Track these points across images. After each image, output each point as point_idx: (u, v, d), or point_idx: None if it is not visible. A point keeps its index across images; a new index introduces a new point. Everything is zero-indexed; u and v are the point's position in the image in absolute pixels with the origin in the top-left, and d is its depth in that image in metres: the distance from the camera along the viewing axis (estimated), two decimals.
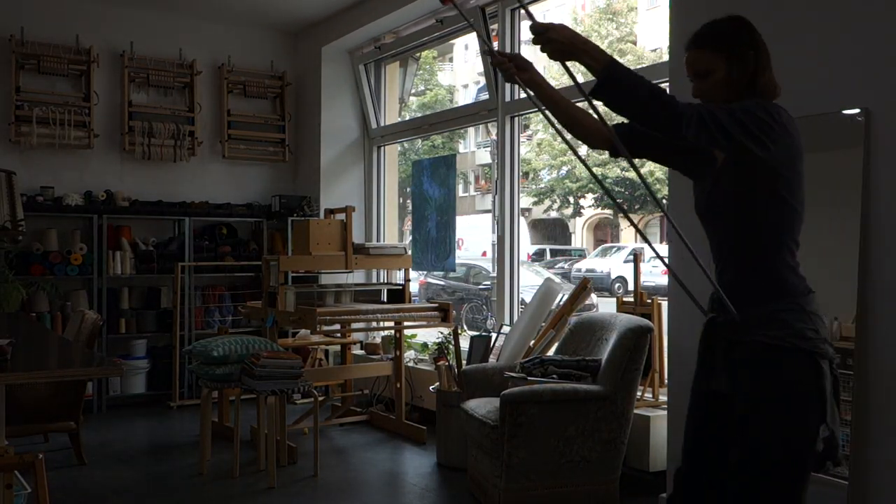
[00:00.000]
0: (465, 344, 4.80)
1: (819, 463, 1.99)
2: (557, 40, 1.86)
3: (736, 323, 1.99)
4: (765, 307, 1.97)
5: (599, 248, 15.05)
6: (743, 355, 2.00)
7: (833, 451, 1.96)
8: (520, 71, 2.10)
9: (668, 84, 3.48)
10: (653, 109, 1.82)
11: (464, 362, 4.52)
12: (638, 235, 15.78)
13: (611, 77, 1.81)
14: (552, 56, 1.89)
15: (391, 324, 4.94)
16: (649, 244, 2.19)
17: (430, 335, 5.55)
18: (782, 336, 1.93)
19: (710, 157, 2.10)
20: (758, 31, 2.09)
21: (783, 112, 1.97)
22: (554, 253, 15.13)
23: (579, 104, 2.23)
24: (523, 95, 5.14)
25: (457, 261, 5.77)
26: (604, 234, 17.37)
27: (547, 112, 2.18)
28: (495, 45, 5.22)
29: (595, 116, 2.13)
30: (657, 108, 1.81)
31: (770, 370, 1.95)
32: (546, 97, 2.16)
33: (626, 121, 2.02)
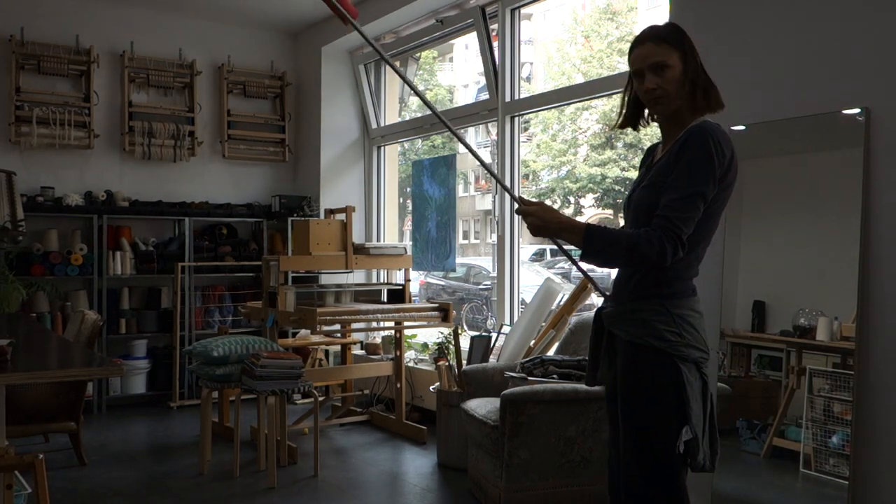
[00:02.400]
0: (465, 344, 4.80)
1: (688, 464, 2.02)
2: (534, 224, 2.07)
3: (611, 315, 2.11)
4: (632, 305, 2.06)
5: None
6: (616, 347, 2.12)
7: (693, 455, 1.98)
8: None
9: None
10: (635, 258, 1.97)
11: (464, 362, 4.52)
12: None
13: (590, 246, 1.99)
14: (532, 232, 2.12)
15: (391, 324, 4.94)
16: (560, 248, 2.26)
17: (431, 335, 5.55)
18: (640, 334, 2.02)
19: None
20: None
21: (728, 146, 2.03)
22: (554, 253, 15.13)
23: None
24: (523, 95, 5.15)
25: (457, 261, 5.77)
26: None
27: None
28: (495, 44, 5.22)
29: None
30: (638, 257, 1.96)
31: (631, 365, 2.04)
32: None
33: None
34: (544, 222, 2.06)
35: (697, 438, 1.97)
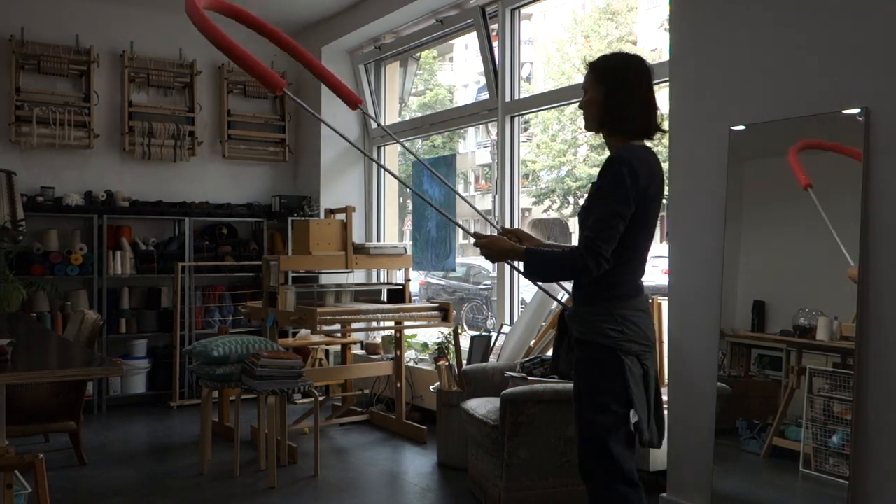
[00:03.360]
0: (465, 344, 4.80)
1: (638, 442, 2.34)
2: (486, 254, 2.50)
3: (569, 317, 2.46)
4: (582, 308, 2.40)
5: None
6: (573, 344, 2.45)
7: (640, 434, 2.31)
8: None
9: (668, 83, 3.49)
10: (566, 274, 2.38)
11: (464, 362, 4.52)
12: None
13: (528, 267, 2.41)
14: (487, 259, 2.54)
15: (391, 324, 4.94)
16: (514, 268, 2.57)
17: (431, 335, 5.55)
18: (588, 333, 2.35)
19: None
20: (647, 77, 2.39)
21: (644, 167, 2.29)
22: None
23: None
24: (524, 95, 5.15)
25: (457, 260, 5.77)
26: None
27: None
28: (495, 44, 5.22)
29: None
30: (569, 272, 2.34)
31: (582, 359, 2.39)
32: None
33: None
34: (494, 251, 2.48)
35: (642, 420, 2.29)
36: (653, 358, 2.39)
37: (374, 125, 6.51)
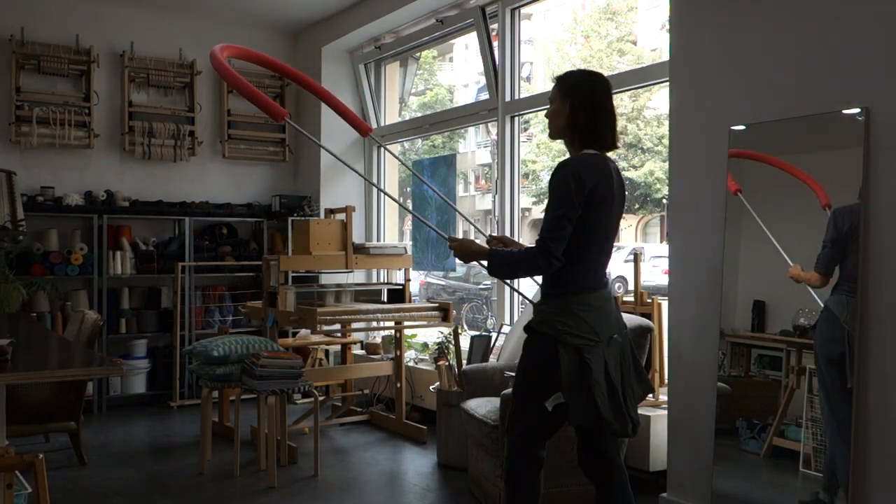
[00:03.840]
0: (465, 344, 4.80)
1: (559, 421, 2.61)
2: (457, 255, 2.77)
3: (533, 309, 2.72)
4: (539, 302, 2.67)
5: None
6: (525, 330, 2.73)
7: (574, 418, 2.53)
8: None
9: (668, 83, 3.49)
10: (524, 272, 2.71)
11: (464, 362, 4.52)
12: (637, 234, 15.76)
13: (491, 266, 2.68)
14: (458, 259, 2.81)
15: (391, 324, 4.94)
16: (482, 266, 2.75)
17: (431, 335, 5.55)
18: (537, 322, 2.61)
19: None
20: (609, 94, 2.63)
21: (590, 172, 2.53)
22: None
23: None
24: (524, 95, 5.15)
25: (457, 260, 5.77)
26: None
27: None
28: (495, 44, 5.22)
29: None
30: (527, 269, 2.64)
31: (526, 343, 2.68)
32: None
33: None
34: (464, 252, 2.75)
35: (568, 404, 2.51)
36: (604, 351, 2.54)
37: (373, 125, 6.51)
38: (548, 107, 2.70)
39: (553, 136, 2.71)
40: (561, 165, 2.56)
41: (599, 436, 2.65)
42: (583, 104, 2.60)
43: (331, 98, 3.72)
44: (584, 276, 2.58)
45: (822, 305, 2.89)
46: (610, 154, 2.69)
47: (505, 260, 2.65)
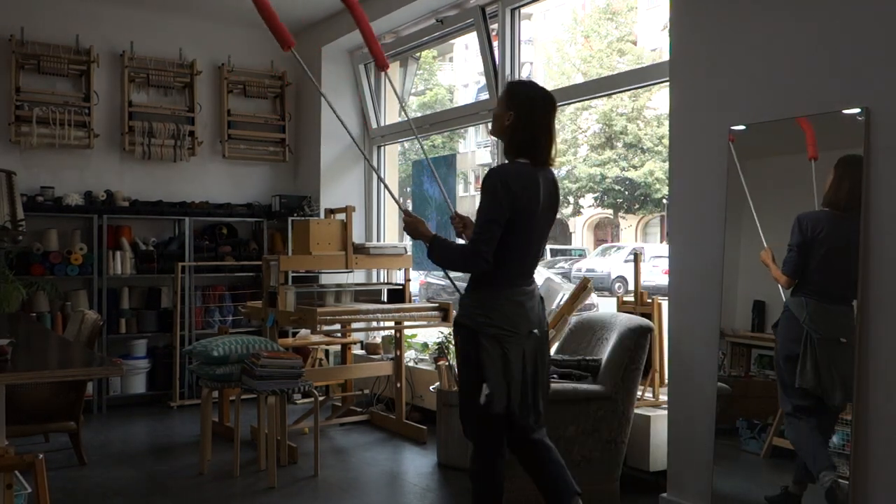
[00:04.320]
0: None
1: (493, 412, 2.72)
2: (408, 232, 2.98)
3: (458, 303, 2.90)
4: (463, 295, 2.84)
5: (600, 247, 15.03)
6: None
7: (490, 406, 2.69)
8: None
9: (668, 83, 3.49)
10: (457, 266, 2.90)
11: None
12: (637, 234, 15.77)
13: (431, 253, 2.85)
14: (408, 235, 3.01)
15: (391, 324, 4.94)
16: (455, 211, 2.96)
17: (431, 335, 5.55)
18: (460, 315, 2.82)
19: None
20: (551, 111, 2.84)
21: (517, 180, 2.72)
22: (554, 253, 15.13)
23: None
24: None
25: None
26: (604, 233, 17.36)
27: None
28: (495, 44, 5.22)
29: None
30: (461, 266, 2.84)
31: (455, 337, 2.88)
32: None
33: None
34: (412, 231, 2.94)
35: (493, 394, 2.68)
36: (521, 343, 2.73)
37: (373, 125, 6.51)
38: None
39: (493, 134, 2.92)
40: (491, 172, 2.75)
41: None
42: (521, 119, 2.77)
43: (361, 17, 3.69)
44: (506, 273, 2.76)
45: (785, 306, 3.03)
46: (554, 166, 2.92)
47: (442, 250, 2.83)
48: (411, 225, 2.96)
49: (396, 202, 3.44)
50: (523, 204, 2.71)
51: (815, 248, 2.93)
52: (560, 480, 2.78)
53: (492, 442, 2.79)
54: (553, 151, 2.83)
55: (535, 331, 2.79)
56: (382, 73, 6.61)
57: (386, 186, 4.09)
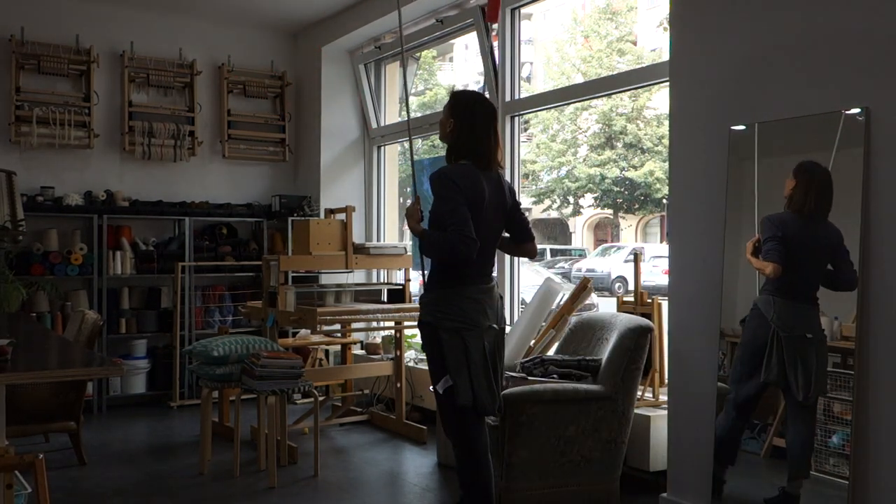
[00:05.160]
0: None
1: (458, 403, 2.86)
2: (407, 217, 3.09)
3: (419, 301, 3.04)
4: (421, 296, 3.01)
5: (600, 247, 15.03)
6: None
7: (457, 397, 2.83)
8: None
9: (668, 83, 3.49)
10: (446, 254, 2.87)
11: None
12: (637, 234, 15.76)
13: (422, 245, 2.96)
14: (406, 218, 3.12)
15: (391, 323, 4.94)
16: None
17: None
18: (422, 313, 2.97)
19: None
20: (490, 119, 3.00)
21: (463, 179, 2.88)
22: (554, 253, 15.12)
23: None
24: (524, 95, 5.16)
25: None
26: (604, 233, 17.36)
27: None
28: (495, 44, 5.22)
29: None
30: (448, 253, 2.85)
31: (421, 337, 3.01)
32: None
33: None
34: (409, 219, 3.06)
35: (456, 385, 2.82)
36: (480, 335, 2.86)
37: (373, 125, 6.51)
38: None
39: (441, 139, 3.11)
40: (435, 174, 2.92)
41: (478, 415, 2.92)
42: (463, 127, 2.97)
43: None
44: (461, 271, 2.90)
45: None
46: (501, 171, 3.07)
47: (431, 241, 2.91)
48: (411, 214, 3.07)
49: (414, 187, 3.54)
50: (471, 198, 2.85)
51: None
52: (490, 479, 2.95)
53: (468, 434, 2.90)
54: (497, 156, 3.00)
55: (494, 325, 2.93)
56: (384, 71, 6.63)
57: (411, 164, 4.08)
